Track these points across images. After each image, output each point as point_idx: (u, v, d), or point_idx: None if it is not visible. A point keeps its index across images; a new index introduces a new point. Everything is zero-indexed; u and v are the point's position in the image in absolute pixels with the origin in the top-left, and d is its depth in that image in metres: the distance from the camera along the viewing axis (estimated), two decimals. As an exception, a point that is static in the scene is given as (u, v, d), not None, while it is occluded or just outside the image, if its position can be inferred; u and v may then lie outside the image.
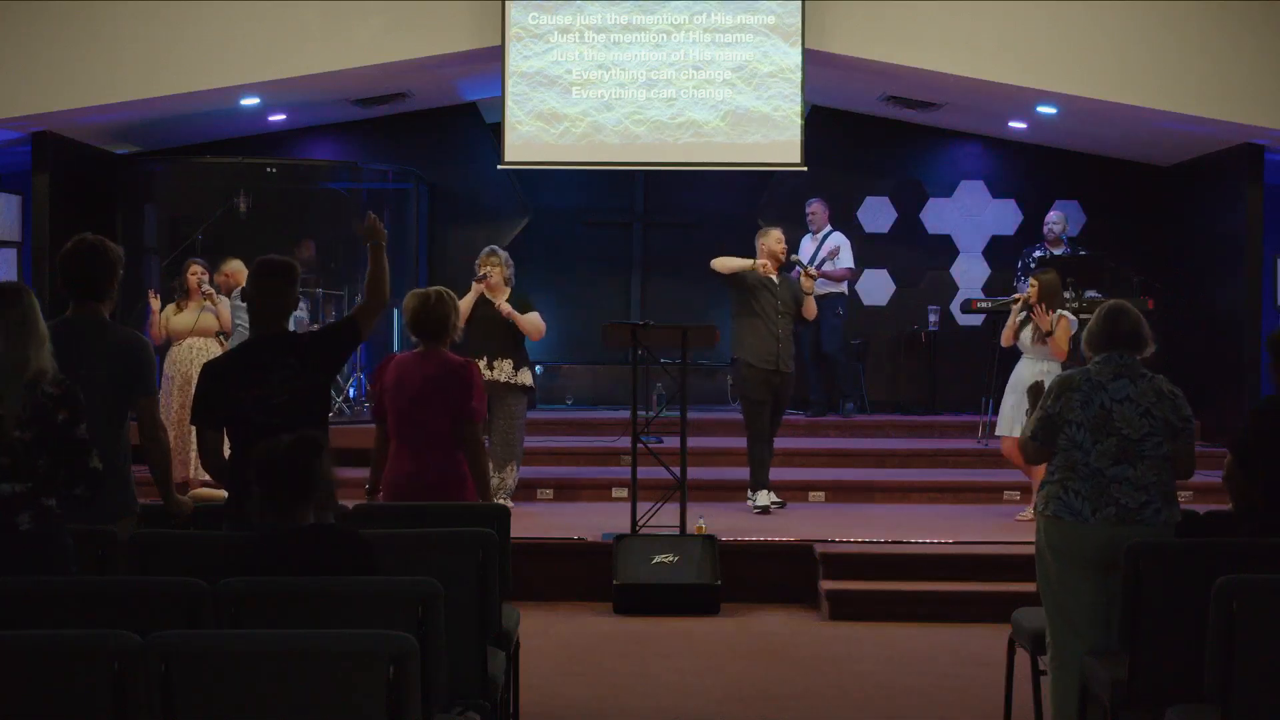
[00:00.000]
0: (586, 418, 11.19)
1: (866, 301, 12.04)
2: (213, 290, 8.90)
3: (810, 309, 8.69)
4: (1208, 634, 3.71)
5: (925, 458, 10.05)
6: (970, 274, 12.06)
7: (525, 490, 9.04)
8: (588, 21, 10.30)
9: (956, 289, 12.01)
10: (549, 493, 9.25)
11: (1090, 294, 10.04)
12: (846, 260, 11.05)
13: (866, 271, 11.89)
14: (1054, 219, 10.70)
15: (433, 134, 11.92)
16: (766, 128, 10.28)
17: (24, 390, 3.87)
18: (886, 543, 7.65)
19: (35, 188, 10.06)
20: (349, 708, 3.11)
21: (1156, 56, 9.61)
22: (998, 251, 11.96)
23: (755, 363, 8.44)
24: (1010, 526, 8.16)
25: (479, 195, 11.99)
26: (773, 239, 8.60)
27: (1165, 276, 11.19)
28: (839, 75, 10.57)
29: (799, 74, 10.16)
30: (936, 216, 12.13)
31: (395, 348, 10.98)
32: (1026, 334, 8.20)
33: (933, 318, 11.77)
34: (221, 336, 8.92)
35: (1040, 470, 5.19)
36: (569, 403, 12.19)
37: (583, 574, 7.54)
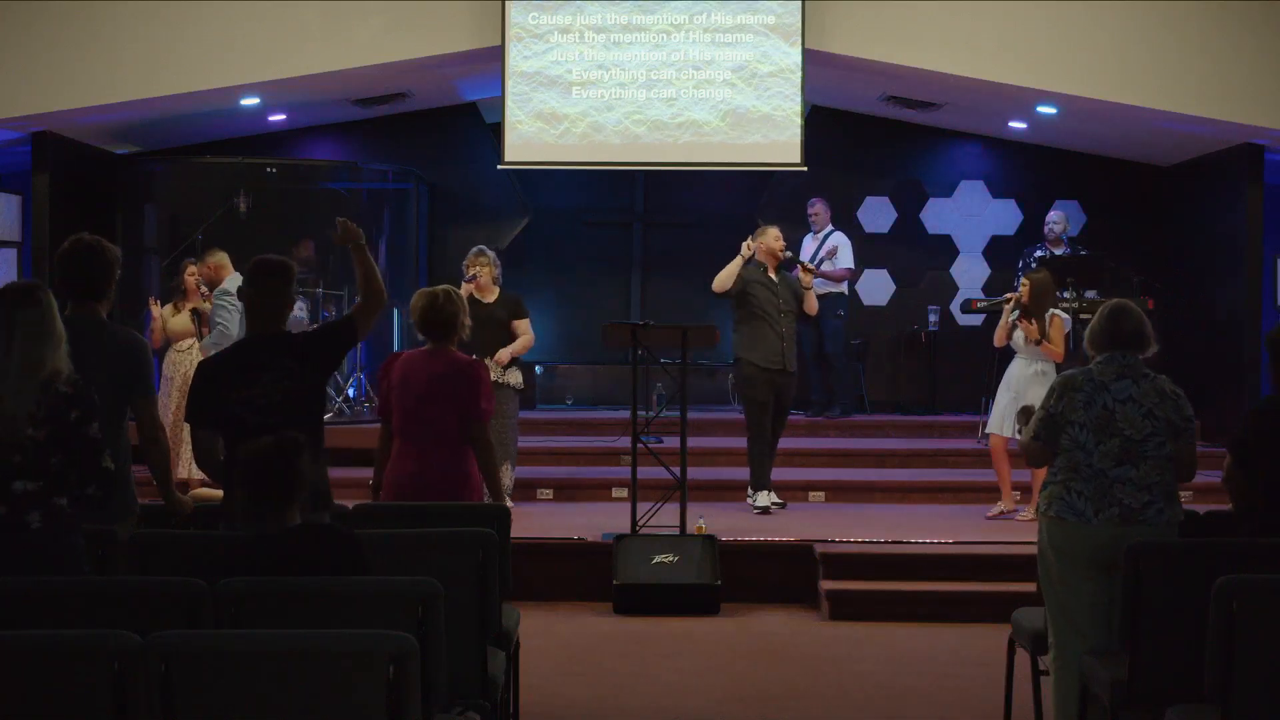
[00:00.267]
0: (586, 418, 11.19)
1: (866, 301, 12.04)
2: (208, 291, 8.69)
3: (811, 304, 8.70)
4: (1208, 634, 3.71)
5: (925, 458, 10.05)
6: (970, 274, 12.06)
7: (525, 490, 9.05)
8: (588, 21, 10.30)
9: (956, 289, 12.01)
10: (549, 493, 9.25)
11: (1090, 294, 10.05)
12: (846, 260, 11.04)
13: (866, 271, 11.89)
14: (1055, 219, 10.68)
15: (433, 134, 11.91)
16: (766, 128, 10.28)
17: (38, 390, 3.88)
18: (886, 543, 7.65)
19: (35, 188, 10.05)
20: (349, 708, 3.11)
21: (1156, 56, 9.61)
22: (998, 251, 11.96)
23: (760, 363, 8.44)
24: (1010, 526, 8.17)
25: (479, 195, 11.99)
26: (770, 236, 8.60)
27: (1165, 276, 11.19)
28: (839, 75, 10.57)
29: (799, 74, 10.16)
30: (936, 216, 12.13)
31: (396, 347, 10.98)
32: (1019, 333, 8.20)
33: (933, 318, 11.77)
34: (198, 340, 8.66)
35: (1041, 472, 5.19)
36: (569, 403, 12.19)
37: (583, 574, 7.54)
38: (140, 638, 3.13)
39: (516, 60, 10.23)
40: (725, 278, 8.50)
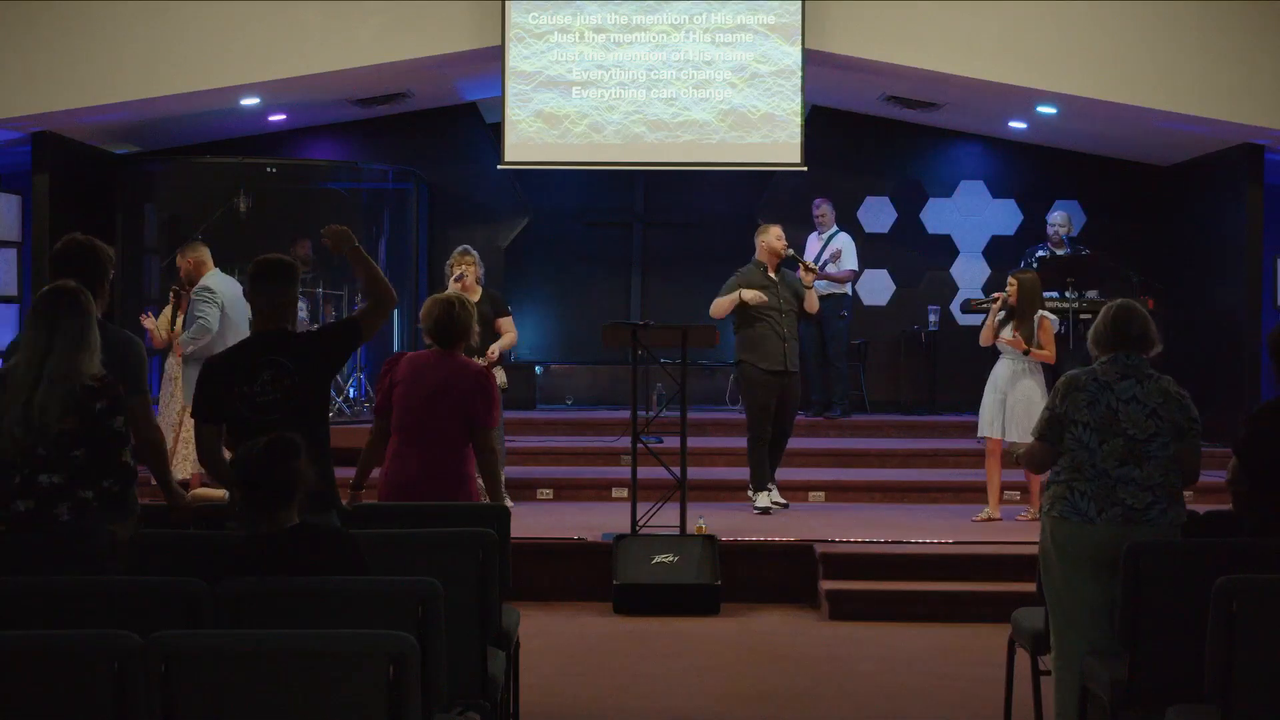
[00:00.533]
0: (586, 418, 11.19)
1: (866, 301, 12.03)
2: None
3: (812, 303, 8.69)
4: (1208, 634, 3.71)
5: (925, 458, 10.05)
6: (970, 274, 12.06)
7: (525, 490, 9.05)
8: (588, 21, 10.30)
9: (956, 289, 12.01)
10: (549, 493, 9.25)
11: (1090, 294, 10.04)
12: (850, 263, 11.02)
13: (867, 271, 11.87)
14: (1057, 220, 10.65)
15: (433, 134, 11.91)
16: (766, 128, 10.28)
17: (65, 392, 3.97)
18: (886, 543, 7.65)
19: (35, 188, 10.05)
20: (349, 708, 3.12)
21: (1156, 56, 9.61)
22: (998, 251, 11.96)
23: (762, 364, 8.43)
24: (1010, 526, 8.16)
25: (479, 195, 11.99)
26: (772, 235, 8.60)
27: (1165, 276, 11.19)
28: (839, 75, 10.57)
29: (799, 74, 10.17)
30: (936, 216, 12.13)
31: (396, 347, 10.98)
32: (1006, 333, 8.18)
33: (933, 318, 11.77)
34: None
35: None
36: (569, 403, 12.19)
37: (583, 574, 7.54)
38: (140, 638, 3.13)
39: (516, 60, 10.23)
40: (725, 305, 8.49)
